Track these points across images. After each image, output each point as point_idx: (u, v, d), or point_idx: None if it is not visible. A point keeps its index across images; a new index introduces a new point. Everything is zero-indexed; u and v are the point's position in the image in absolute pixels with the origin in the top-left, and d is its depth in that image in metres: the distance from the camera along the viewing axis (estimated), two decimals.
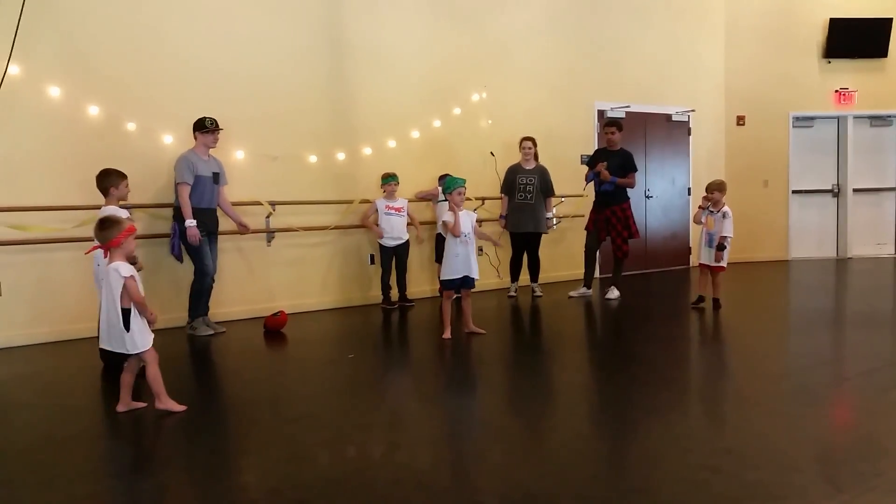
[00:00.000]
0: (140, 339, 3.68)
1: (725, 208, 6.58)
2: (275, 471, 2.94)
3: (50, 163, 5.63)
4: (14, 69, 5.50)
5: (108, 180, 4.85)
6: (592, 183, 7.49)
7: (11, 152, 5.51)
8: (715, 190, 6.58)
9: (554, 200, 8.13)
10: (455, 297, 5.72)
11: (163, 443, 3.46)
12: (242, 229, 6.18)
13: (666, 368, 4.63)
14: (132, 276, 3.64)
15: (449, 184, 5.59)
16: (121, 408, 3.75)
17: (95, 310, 4.23)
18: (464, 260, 5.49)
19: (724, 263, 6.58)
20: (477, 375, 4.69)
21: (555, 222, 8.65)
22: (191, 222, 5.68)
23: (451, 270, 5.52)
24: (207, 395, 4.38)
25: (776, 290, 8.48)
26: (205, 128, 5.85)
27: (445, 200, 5.78)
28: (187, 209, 5.69)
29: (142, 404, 3.79)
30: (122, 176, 4.90)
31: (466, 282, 5.56)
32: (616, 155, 7.35)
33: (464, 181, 5.61)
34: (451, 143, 7.98)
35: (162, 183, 6.11)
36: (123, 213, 4.65)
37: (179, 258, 5.88)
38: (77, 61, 5.82)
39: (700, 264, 6.81)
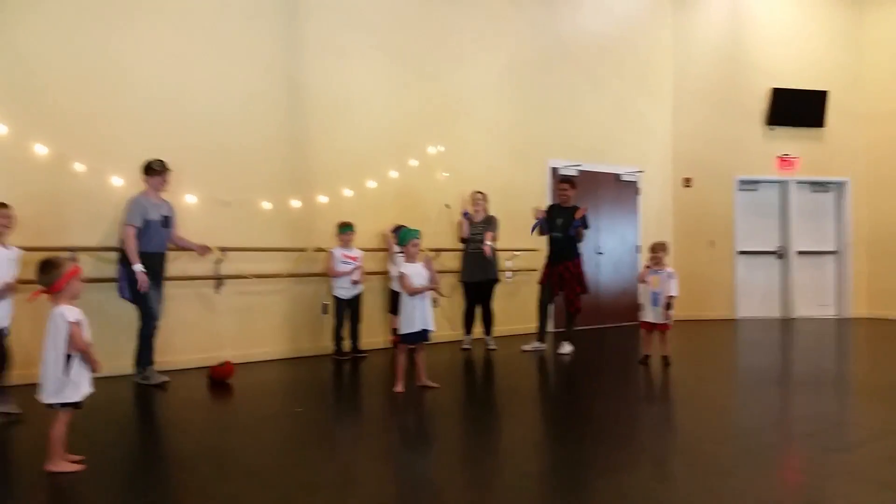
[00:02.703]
0: (71, 390, 3.47)
1: (670, 268, 6.74)
2: None
3: None
4: None
5: None
6: (547, 236, 7.55)
7: None
8: (660, 250, 6.75)
9: (508, 254, 8.26)
10: (409, 348, 5.65)
11: (94, 499, 3.26)
12: (202, 250, 6.07)
13: (617, 426, 4.61)
14: (78, 323, 3.47)
15: (403, 236, 5.57)
16: (52, 468, 3.47)
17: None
18: (421, 312, 5.44)
19: (669, 321, 6.72)
20: (428, 432, 4.59)
21: (509, 276, 8.70)
22: (138, 267, 5.54)
23: (410, 324, 5.45)
24: (145, 448, 4.18)
25: (724, 348, 8.63)
26: (152, 170, 5.75)
27: (401, 252, 5.75)
28: (133, 255, 5.55)
29: (78, 459, 3.56)
30: None
31: (423, 335, 5.50)
32: (569, 211, 7.46)
33: (418, 232, 5.60)
34: (408, 193, 8.01)
35: (108, 224, 5.95)
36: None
37: (133, 300, 5.69)
38: (26, 98, 5.69)
39: (644, 323, 6.89)
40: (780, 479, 3.65)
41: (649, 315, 6.76)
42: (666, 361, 6.66)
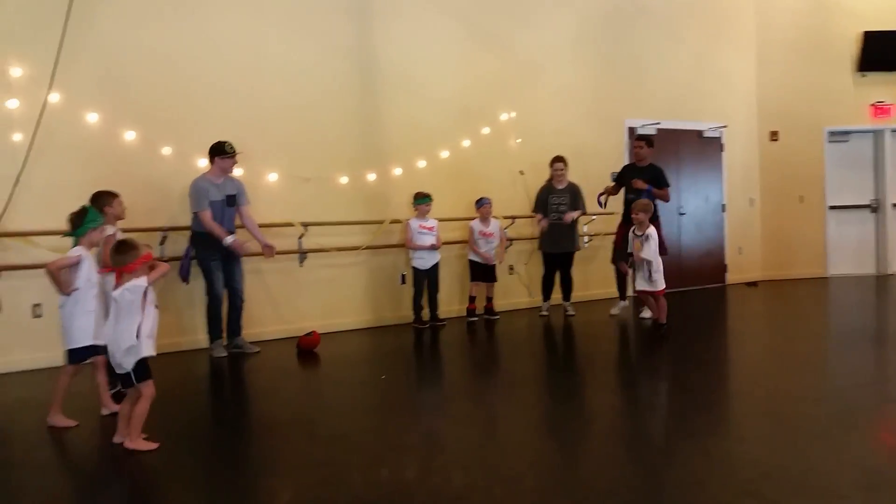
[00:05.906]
0: (146, 346, 3.56)
1: (649, 230, 6.16)
2: (307, 494, 2.94)
3: (87, 187, 5.66)
4: (54, 97, 5.66)
5: (101, 201, 4.71)
6: (623, 196, 7.39)
7: (52, 177, 5.62)
8: (640, 211, 6.21)
9: (584, 218, 8.12)
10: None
11: (192, 464, 3.47)
12: (267, 251, 6.06)
13: (702, 389, 4.54)
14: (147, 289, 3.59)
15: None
16: (118, 439, 3.59)
17: None
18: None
19: (658, 287, 6.13)
20: (510, 397, 4.64)
21: (586, 241, 8.60)
22: (229, 239, 5.76)
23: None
24: (240, 416, 4.40)
25: (815, 307, 8.29)
26: (224, 153, 5.85)
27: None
28: (219, 230, 5.76)
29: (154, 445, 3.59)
30: (112, 195, 4.79)
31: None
32: (644, 171, 7.25)
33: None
34: (481, 162, 7.98)
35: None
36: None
37: (185, 279, 5.95)
38: (115, 88, 5.96)
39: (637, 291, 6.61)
40: (873, 441, 3.52)
41: (640, 282, 6.34)
42: (657, 327, 6.25)
